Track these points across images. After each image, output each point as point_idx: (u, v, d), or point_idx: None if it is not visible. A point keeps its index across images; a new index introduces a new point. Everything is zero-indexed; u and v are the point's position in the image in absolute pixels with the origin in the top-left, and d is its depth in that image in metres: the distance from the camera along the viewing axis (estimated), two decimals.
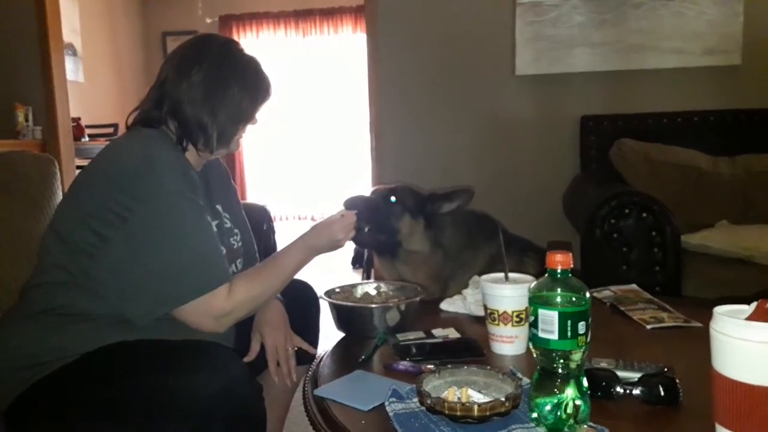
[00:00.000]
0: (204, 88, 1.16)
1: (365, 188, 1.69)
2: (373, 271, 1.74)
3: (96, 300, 1.07)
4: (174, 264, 1.06)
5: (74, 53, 5.32)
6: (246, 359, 1.21)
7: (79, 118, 4.61)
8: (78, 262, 1.09)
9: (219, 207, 1.29)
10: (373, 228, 1.53)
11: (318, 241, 1.21)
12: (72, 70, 4.97)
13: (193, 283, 1.06)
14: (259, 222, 1.74)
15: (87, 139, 4.71)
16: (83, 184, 1.14)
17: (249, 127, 1.26)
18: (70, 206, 1.15)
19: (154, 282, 1.06)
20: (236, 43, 1.25)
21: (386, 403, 0.86)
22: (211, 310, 1.07)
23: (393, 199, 1.59)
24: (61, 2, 3.40)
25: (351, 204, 1.49)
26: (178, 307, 1.06)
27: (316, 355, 1.21)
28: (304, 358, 1.29)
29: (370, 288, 1.33)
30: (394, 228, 1.56)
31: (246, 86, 1.19)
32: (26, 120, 3.28)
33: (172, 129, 1.18)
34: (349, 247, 4.59)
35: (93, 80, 5.64)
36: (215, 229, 1.21)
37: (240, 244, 1.33)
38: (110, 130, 5.11)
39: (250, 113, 1.22)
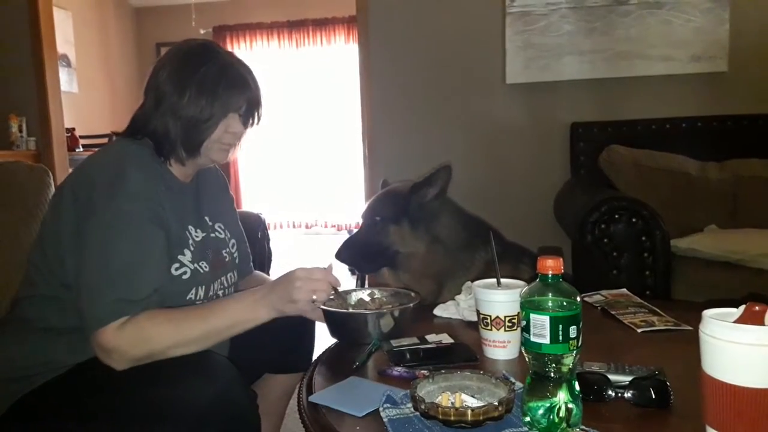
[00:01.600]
0: (164, 92, 1.13)
1: (358, 194, 1.70)
2: (367, 277, 1.74)
3: (77, 312, 1.05)
4: (89, 286, 1.02)
5: (68, 64, 5.32)
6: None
7: (73, 129, 4.60)
8: (57, 275, 1.09)
9: (207, 218, 1.26)
10: (370, 258, 1.55)
11: (270, 294, 1.08)
12: (66, 81, 4.96)
13: (96, 310, 1.00)
14: (254, 230, 1.75)
15: (81, 149, 4.69)
16: (58, 195, 1.14)
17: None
18: (49, 218, 1.15)
19: (79, 301, 1.03)
20: (211, 46, 1.18)
21: (381, 409, 0.86)
22: (100, 342, 1.00)
23: (378, 218, 1.59)
24: (55, 13, 3.41)
25: (341, 253, 1.50)
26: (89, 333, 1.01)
27: (311, 362, 1.21)
28: (301, 364, 1.29)
29: (364, 294, 1.33)
30: (386, 245, 1.57)
31: (204, 90, 1.11)
32: (20, 131, 3.28)
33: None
34: None
35: (87, 91, 5.63)
36: (197, 242, 1.18)
37: (235, 254, 1.32)
38: (104, 140, 5.08)
39: (212, 117, 1.13)
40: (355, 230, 1.65)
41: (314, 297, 1.10)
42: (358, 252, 1.54)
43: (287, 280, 1.08)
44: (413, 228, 1.57)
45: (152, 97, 1.14)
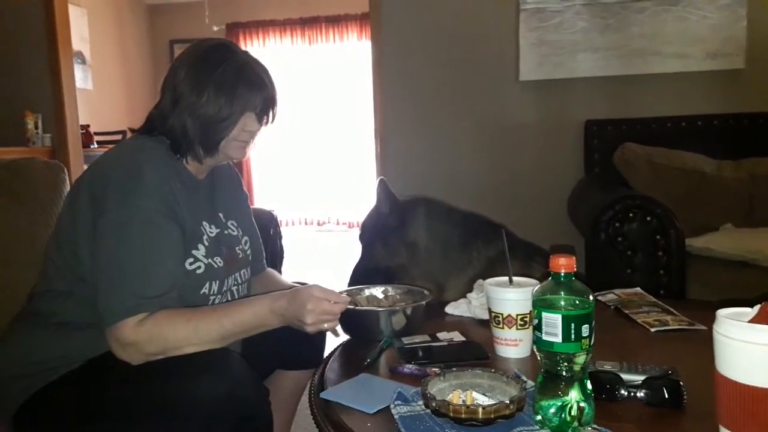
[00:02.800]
0: (181, 91, 1.13)
1: (368, 193, 1.74)
2: None
3: (93, 307, 1.07)
4: (107, 282, 1.03)
5: (83, 61, 5.37)
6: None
7: (87, 125, 4.65)
8: (73, 270, 1.11)
9: (221, 215, 1.27)
10: (373, 278, 1.56)
11: (285, 310, 1.09)
12: (81, 78, 5.01)
13: (114, 305, 1.02)
14: (266, 227, 1.76)
15: (96, 146, 4.75)
16: (75, 191, 1.15)
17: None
18: (65, 213, 1.16)
19: (97, 296, 1.04)
20: (228, 46, 1.19)
21: (391, 406, 0.87)
22: (118, 336, 1.01)
23: (362, 244, 1.68)
24: (70, 10, 3.45)
25: (350, 282, 1.54)
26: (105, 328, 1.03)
27: (322, 359, 1.22)
28: (313, 360, 1.29)
29: (378, 291, 1.34)
30: (374, 266, 1.62)
31: (223, 90, 1.12)
32: (36, 127, 3.32)
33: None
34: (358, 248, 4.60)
35: (101, 88, 5.69)
36: (211, 237, 1.19)
37: (248, 252, 1.33)
38: (119, 137, 5.15)
39: (230, 116, 1.14)
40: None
41: (324, 326, 1.11)
42: (362, 276, 1.61)
43: (302, 300, 1.08)
44: (386, 246, 1.63)
45: (170, 96, 1.15)
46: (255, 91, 1.15)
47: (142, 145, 1.15)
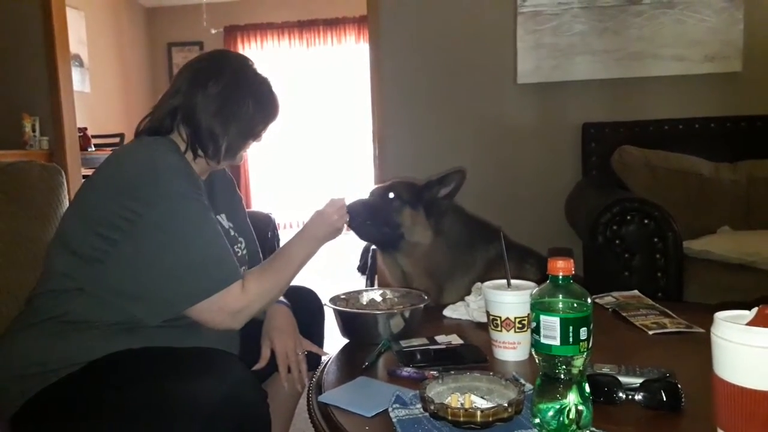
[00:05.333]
0: (220, 100, 1.18)
1: (365, 191, 1.73)
2: (376, 277, 1.76)
3: (102, 307, 1.08)
4: (185, 264, 1.08)
5: (81, 64, 5.37)
6: (257, 367, 1.22)
7: (85, 128, 4.64)
8: (85, 270, 1.10)
9: (221, 216, 1.29)
10: (375, 224, 1.59)
11: (317, 230, 1.24)
12: (78, 81, 5.01)
13: (206, 281, 1.08)
14: (264, 229, 1.76)
15: (93, 149, 4.74)
16: (88, 192, 1.15)
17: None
18: (75, 215, 1.16)
19: (167, 282, 1.07)
20: (251, 62, 1.27)
21: (390, 410, 0.87)
22: (226, 307, 1.09)
23: (391, 195, 1.64)
24: (68, 13, 3.44)
25: (351, 208, 1.51)
26: (193, 306, 1.08)
27: (321, 362, 1.22)
28: (311, 362, 1.29)
29: (376, 295, 1.34)
30: (396, 222, 1.61)
31: (260, 103, 1.21)
32: (33, 130, 3.31)
33: (183, 137, 1.19)
34: (356, 253, 4.61)
35: (99, 91, 5.68)
36: None
37: (245, 252, 1.34)
38: (116, 140, 5.14)
39: (260, 130, 1.24)
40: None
41: (344, 215, 1.27)
42: (368, 214, 1.58)
43: (318, 215, 1.26)
44: (427, 217, 1.60)
45: (201, 100, 1.18)
46: (276, 108, 1.26)
47: (155, 143, 1.17)
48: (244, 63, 1.25)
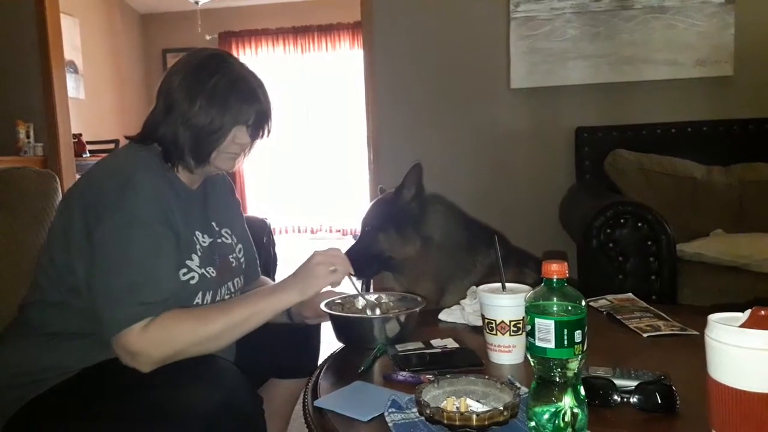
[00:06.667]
0: (174, 99, 1.13)
1: (361, 201, 1.73)
2: (372, 282, 1.76)
3: (86, 317, 1.07)
4: (109, 291, 1.02)
5: (75, 70, 5.36)
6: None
7: (80, 135, 4.64)
8: (66, 281, 1.10)
9: (214, 224, 1.26)
10: (367, 262, 1.57)
11: (292, 278, 1.13)
12: (73, 87, 5.00)
13: (118, 314, 1.01)
14: (260, 235, 1.75)
15: (88, 155, 4.73)
16: (67, 201, 1.15)
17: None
18: (57, 224, 1.16)
19: (97, 306, 1.03)
20: (224, 57, 1.19)
21: (386, 414, 0.87)
22: (124, 345, 1.00)
23: (367, 228, 1.63)
24: (63, 20, 3.44)
25: (349, 255, 1.52)
26: (110, 338, 1.02)
27: (316, 367, 1.22)
28: (307, 367, 1.29)
29: (372, 299, 1.34)
30: (378, 250, 1.60)
31: (214, 99, 1.11)
32: (28, 136, 3.31)
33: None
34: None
35: (94, 97, 5.67)
36: (204, 247, 1.18)
37: (242, 260, 1.32)
38: (111, 145, 5.13)
39: (221, 128, 1.13)
40: (358, 235, 1.68)
41: (332, 268, 1.14)
42: (356, 259, 1.57)
43: (307, 262, 1.14)
44: (400, 233, 1.60)
45: (163, 103, 1.15)
46: (247, 104, 1.15)
47: (134, 155, 1.15)
48: (209, 59, 1.16)
